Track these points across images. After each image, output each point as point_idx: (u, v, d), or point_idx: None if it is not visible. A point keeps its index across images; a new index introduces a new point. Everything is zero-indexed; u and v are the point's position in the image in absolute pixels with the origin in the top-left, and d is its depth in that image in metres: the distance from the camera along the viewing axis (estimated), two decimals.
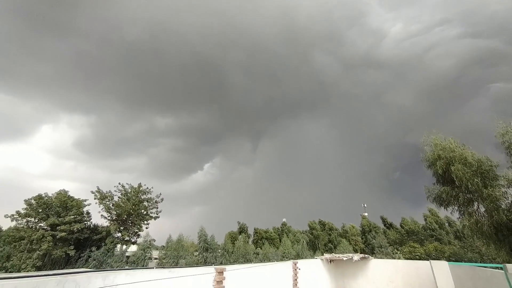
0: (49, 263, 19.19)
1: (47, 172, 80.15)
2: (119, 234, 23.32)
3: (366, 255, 15.95)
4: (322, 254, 18.00)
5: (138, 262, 20.82)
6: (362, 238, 36.27)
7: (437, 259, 25.02)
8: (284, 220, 45.43)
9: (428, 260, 21.50)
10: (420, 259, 25.37)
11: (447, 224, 33.72)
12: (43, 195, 21.14)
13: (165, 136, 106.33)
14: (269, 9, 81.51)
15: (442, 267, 11.93)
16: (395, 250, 30.32)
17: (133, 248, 24.38)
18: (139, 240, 24.06)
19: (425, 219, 34.79)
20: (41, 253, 18.65)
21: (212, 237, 27.47)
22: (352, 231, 37.09)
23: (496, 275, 8.63)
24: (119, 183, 24.88)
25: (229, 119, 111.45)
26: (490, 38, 68.02)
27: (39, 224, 20.29)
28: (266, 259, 26.22)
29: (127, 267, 19.05)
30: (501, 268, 8.45)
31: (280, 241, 34.17)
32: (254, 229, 39.39)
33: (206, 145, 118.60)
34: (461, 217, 11.11)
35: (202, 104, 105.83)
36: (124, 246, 22.95)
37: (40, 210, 20.53)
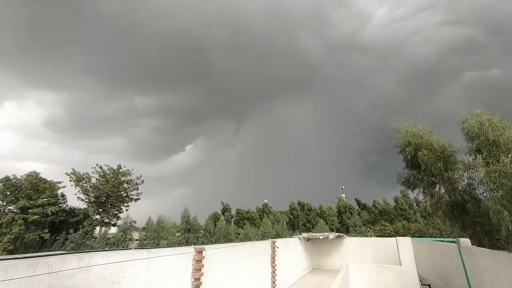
0: (22, 247, 18.67)
1: (13, 153, 75.24)
2: (98, 217, 22.95)
3: (341, 234, 17.04)
4: (301, 234, 18.97)
5: (118, 243, 20.79)
6: (338, 218, 38.46)
7: (404, 236, 27.32)
8: (265, 201, 46.74)
9: (395, 236, 23.27)
10: (389, 236, 27.56)
11: (415, 205, 36.53)
12: (11, 177, 20.08)
13: (146, 116, 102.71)
14: None
15: (405, 242, 13.12)
16: (368, 229, 32.58)
17: (113, 230, 24.21)
18: (119, 222, 23.87)
19: (396, 201, 37.41)
20: (12, 236, 18.04)
21: (194, 218, 27.83)
22: (329, 211, 39.12)
23: (450, 248, 9.67)
24: (97, 165, 24.11)
25: (213, 99, 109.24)
26: (468, 26, 70.35)
27: (8, 208, 19.43)
28: (247, 238, 27.19)
29: (107, 249, 19.01)
30: (455, 242, 9.50)
31: (262, 221, 35.41)
32: (236, 209, 40.31)
33: (188, 126, 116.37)
34: (425, 198, 12.18)
35: (185, 83, 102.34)
36: (104, 228, 22.69)
37: (8, 193, 19.57)
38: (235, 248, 7.56)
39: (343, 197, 43.42)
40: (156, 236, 23.29)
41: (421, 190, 11.49)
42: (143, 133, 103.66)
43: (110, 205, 23.95)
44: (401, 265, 10.35)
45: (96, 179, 23.57)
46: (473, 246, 8.92)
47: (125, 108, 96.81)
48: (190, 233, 26.42)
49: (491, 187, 7.32)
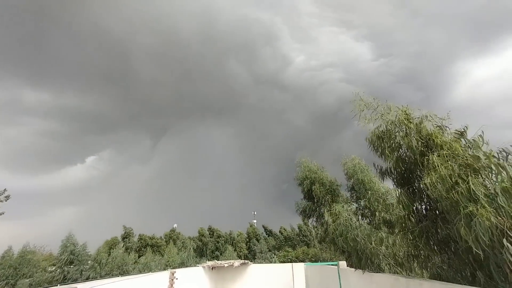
0: None
1: None
2: None
3: (246, 261, 17.35)
4: (206, 262, 18.28)
5: None
6: (246, 245, 39.19)
7: (303, 261, 30.11)
8: (175, 225, 43.33)
9: (296, 262, 25.22)
10: (291, 261, 29.77)
11: (313, 231, 41.36)
12: None
13: (34, 115, 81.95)
14: (189, 2, 79.67)
15: (299, 267, 14.67)
16: (273, 254, 34.40)
17: None
18: None
19: (299, 228, 41.43)
20: None
21: (83, 245, 22.90)
22: (239, 238, 39.51)
23: (333, 269, 11.31)
24: None
25: (129, 108, 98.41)
26: (358, 87, 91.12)
27: None
28: (146, 269, 23.96)
29: None
30: (336, 265, 11.23)
31: (167, 248, 32.33)
32: (139, 235, 35.69)
33: (92, 134, 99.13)
34: (317, 226, 14.13)
35: (97, 85, 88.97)
36: None
37: None
38: (123, 283, 6.57)
39: (254, 223, 44.99)
40: (13, 273, 17.63)
41: (315, 219, 13.29)
42: (26, 135, 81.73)
43: None
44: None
45: None
46: (348, 267, 10.74)
47: (5, 100, 75.21)
48: (73, 266, 21.38)
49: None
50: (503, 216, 4.06)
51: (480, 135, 5.12)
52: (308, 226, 40.99)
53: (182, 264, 27.11)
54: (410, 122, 5.95)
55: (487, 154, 4.82)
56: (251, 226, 43.18)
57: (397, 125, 6.13)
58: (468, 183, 4.52)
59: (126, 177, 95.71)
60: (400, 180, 6.34)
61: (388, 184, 9.95)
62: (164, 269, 22.17)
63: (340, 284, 10.37)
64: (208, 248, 35.78)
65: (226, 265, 15.59)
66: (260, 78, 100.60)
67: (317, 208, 12.57)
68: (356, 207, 11.08)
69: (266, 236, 42.55)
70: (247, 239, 40.09)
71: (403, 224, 6.53)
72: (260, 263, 29.37)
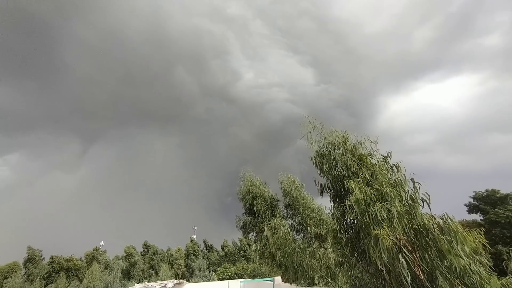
0: None
1: None
2: None
3: (181, 280, 16.07)
4: (135, 284, 16.27)
5: None
6: (185, 261, 36.71)
7: (242, 277, 29.54)
8: (101, 243, 37.98)
9: (234, 278, 24.55)
10: (230, 278, 28.90)
11: (254, 245, 41.40)
12: None
13: None
14: (140, 2, 75.39)
15: (235, 284, 14.32)
16: (212, 271, 32.92)
17: None
18: None
19: (241, 242, 40.98)
20: None
21: None
22: (177, 254, 36.80)
23: (268, 285, 11.34)
24: None
25: (54, 107, 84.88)
26: (301, 108, 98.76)
27: None
28: None
29: None
30: (271, 280, 11.28)
31: (88, 271, 27.72)
32: (51, 257, 29.86)
33: None
34: (256, 241, 14.11)
35: (13, 74, 74.44)
36: None
37: None
38: None
39: (194, 238, 42.74)
40: None
41: (254, 234, 13.24)
42: None
43: None
44: None
45: None
46: (282, 282, 10.89)
47: None
48: None
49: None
50: (399, 235, 4.79)
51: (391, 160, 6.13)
52: (248, 240, 41.03)
53: None
54: (347, 145, 6.72)
55: (391, 182, 5.74)
56: (191, 241, 40.84)
57: (336, 147, 6.88)
58: (374, 207, 5.25)
59: (41, 187, 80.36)
60: (335, 196, 6.98)
61: (322, 201, 10.72)
62: None
63: None
64: (136, 268, 32.00)
65: (158, 287, 14.13)
66: (208, 90, 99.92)
67: (257, 223, 12.60)
68: (291, 223, 11.50)
69: (207, 251, 40.77)
70: (186, 256, 37.62)
71: (335, 236, 7.16)
72: (197, 281, 27.68)
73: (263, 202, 12.00)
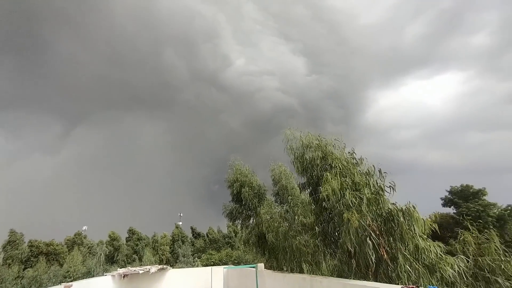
0: None
1: None
2: None
3: (164, 266, 16.10)
4: (117, 269, 16.20)
5: None
6: (170, 248, 36.87)
7: (226, 264, 30.13)
8: (84, 228, 37.39)
9: (218, 265, 25.03)
10: (214, 264, 29.38)
11: (240, 232, 42.08)
12: None
13: None
14: None
15: (218, 271, 14.51)
16: (196, 258, 33.32)
17: None
18: None
19: (228, 228, 41.47)
20: None
21: None
22: (162, 240, 36.85)
23: (251, 272, 11.57)
24: None
25: (36, 85, 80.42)
26: (292, 97, 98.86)
27: None
28: (35, 283, 19.45)
29: None
30: (254, 267, 11.54)
31: (70, 255, 27.29)
32: (30, 241, 29.14)
33: None
34: (242, 228, 14.35)
35: None
36: None
37: None
38: None
39: (180, 224, 42.81)
40: None
41: (240, 222, 13.43)
42: None
43: None
44: None
45: None
46: (265, 269, 11.18)
47: None
48: None
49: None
50: (368, 221, 5.24)
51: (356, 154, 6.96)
52: (235, 227, 41.59)
53: (88, 274, 23.28)
54: (319, 146, 7.50)
55: (363, 172, 6.51)
56: (177, 227, 40.90)
57: (311, 148, 7.63)
58: (344, 195, 5.96)
59: (19, 169, 77.16)
60: (313, 192, 7.75)
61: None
62: (61, 283, 18.35)
63: (257, 285, 10.70)
64: (120, 252, 31.83)
65: (141, 271, 14.11)
66: (198, 75, 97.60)
67: (244, 211, 12.76)
68: (279, 211, 11.72)
69: (193, 238, 41.05)
70: (172, 242, 37.73)
71: (312, 227, 8.21)
72: (181, 267, 27.97)
73: (250, 190, 12.12)
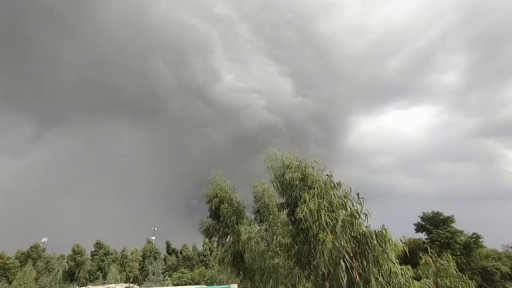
0: None
1: None
2: None
3: (131, 285, 14.99)
4: (81, 287, 14.82)
5: None
6: (140, 264, 34.53)
7: (198, 283, 28.57)
8: (43, 240, 34.32)
9: (190, 284, 23.61)
10: (185, 284, 27.77)
11: (215, 250, 40.46)
12: None
13: None
14: None
15: None
16: (167, 276, 31.38)
17: None
18: None
19: (203, 246, 39.76)
20: None
21: None
22: (132, 256, 34.51)
23: None
24: None
25: (12, 82, 76.20)
26: (277, 117, 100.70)
27: None
28: None
29: None
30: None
31: (22, 271, 24.57)
32: None
33: None
34: (218, 247, 13.84)
35: None
36: None
37: None
38: None
39: (153, 239, 40.51)
40: None
41: (217, 239, 12.99)
42: None
43: None
44: None
45: None
46: None
47: None
48: None
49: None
50: (343, 242, 5.31)
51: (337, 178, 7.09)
52: (211, 245, 39.99)
53: None
54: (299, 167, 7.68)
55: (339, 196, 6.68)
56: (149, 243, 38.55)
57: (291, 168, 7.77)
58: (321, 216, 6.03)
59: None
60: (290, 213, 7.73)
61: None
62: None
63: None
64: (83, 269, 29.24)
65: None
66: (185, 86, 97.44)
67: (221, 228, 12.39)
68: (258, 230, 11.53)
69: (168, 254, 38.91)
70: (142, 258, 35.33)
71: (289, 248, 8.09)
72: (150, 286, 26.11)
73: (229, 207, 11.88)
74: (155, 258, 34.67)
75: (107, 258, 31.47)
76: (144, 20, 79.98)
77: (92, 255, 32.97)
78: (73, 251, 30.20)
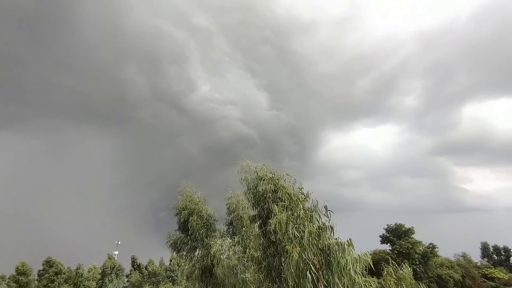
0: None
1: None
2: None
3: None
4: None
5: None
6: (98, 282, 31.54)
7: None
8: None
9: None
10: None
11: (183, 265, 38.49)
12: None
13: None
14: None
15: None
16: None
17: None
18: None
19: (170, 260, 37.62)
20: None
21: None
22: (89, 274, 31.46)
23: None
24: None
25: None
26: (252, 129, 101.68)
27: None
28: None
29: None
30: None
31: None
32: None
33: None
34: (186, 261, 13.22)
35: None
36: None
37: None
38: None
39: (115, 254, 37.49)
40: None
41: (185, 253, 12.43)
42: None
43: None
44: None
45: None
46: None
47: None
48: None
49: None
50: (309, 254, 5.49)
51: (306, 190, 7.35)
52: (180, 259, 38.03)
53: None
54: (272, 179, 7.81)
55: (307, 208, 6.91)
56: (110, 258, 35.47)
57: (264, 180, 7.87)
58: (288, 229, 6.15)
59: None
60: (262, 225, 7.81)
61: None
62: None
63: None
64: None
65: None
66: (159, 94, 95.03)
67: (190, 241, 11.92)
68: (230, 243, 11.28)
69: (134, 269, 36.13)
70: (101, 276, 32.28)
71: (259, 261, 7.99)
72: None
73: (199, 219, 11.51)
74: (117, 275, 31.95)
75: (58, 278, 28.08)
76: (118, 26, 77.60)
77: (39, 275, 29.46)
78: (16, 271, 26.47)
